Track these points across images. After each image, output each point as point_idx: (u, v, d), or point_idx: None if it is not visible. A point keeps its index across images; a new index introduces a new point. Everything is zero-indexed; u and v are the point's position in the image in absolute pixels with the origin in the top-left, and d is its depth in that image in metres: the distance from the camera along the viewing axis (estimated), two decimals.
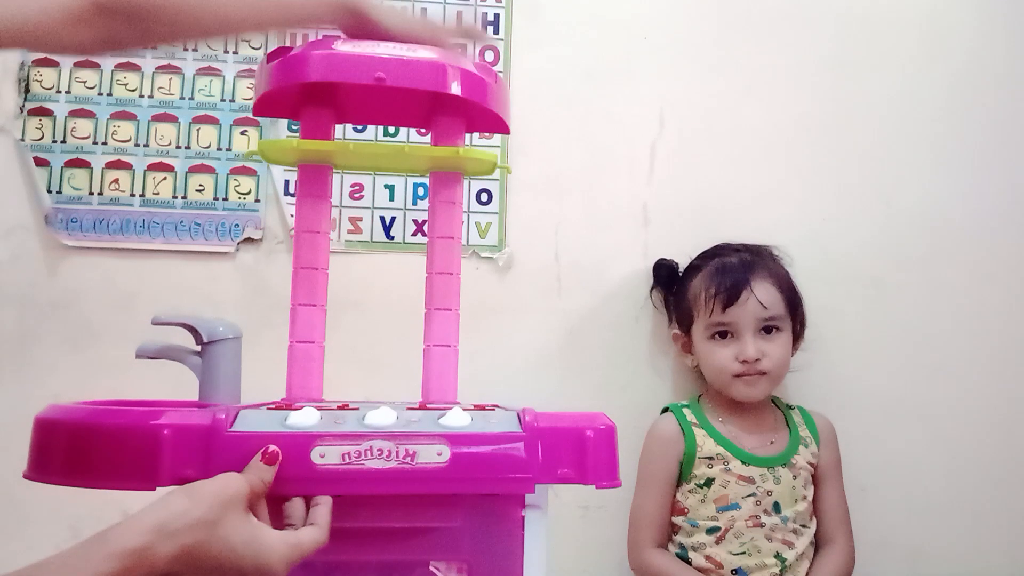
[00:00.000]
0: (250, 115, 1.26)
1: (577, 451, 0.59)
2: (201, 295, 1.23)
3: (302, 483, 0.56)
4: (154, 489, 0.55)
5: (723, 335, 1.17)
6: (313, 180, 0.80)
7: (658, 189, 1.32)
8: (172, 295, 1.23)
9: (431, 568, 0.59)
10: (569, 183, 1.30)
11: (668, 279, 1.26)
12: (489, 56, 1.31)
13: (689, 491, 1.15)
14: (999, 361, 1.35)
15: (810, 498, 1.17)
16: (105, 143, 1.24)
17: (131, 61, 1.25)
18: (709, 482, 1.14)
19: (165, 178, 1.24)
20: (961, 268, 1.36)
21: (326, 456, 0.55)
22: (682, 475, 1.16)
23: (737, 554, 1.11)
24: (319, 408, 0.61)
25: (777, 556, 1.12)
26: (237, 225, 1.25)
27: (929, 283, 1.35)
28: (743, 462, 1.15)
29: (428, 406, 0.68)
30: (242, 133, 1.26)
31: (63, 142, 1.23)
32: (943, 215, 1.36)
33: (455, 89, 0.73)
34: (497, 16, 1.31)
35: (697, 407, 1.21)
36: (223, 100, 1.26)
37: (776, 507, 1.13)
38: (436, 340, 0.80)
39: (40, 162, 1.22)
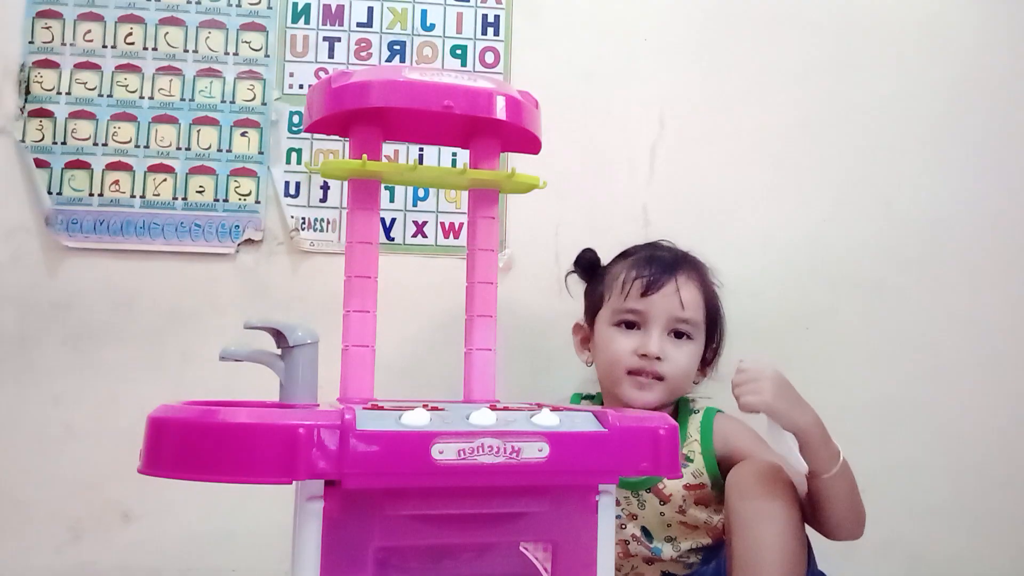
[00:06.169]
0: (250, 116, 1.26)
1: (652, 447, 0.69)
2: (201, 296, 1.23)
3: (424, 476, 0.63)
4: (291, 482, 0.61)
5: (630, 325, 1.05)
6: (365, 194, 0.86)
7: (658, 190, 1.32)
8: (172, 296, 1.23)
9: (521, 548, 0.67)
10: (569, 183, 1.30)
11: (589, 266, 1.16)
12: (490, 57, 1.31)
13: None
14: (999, 363, 1.35)
15: (703, 524, 1.03)
16: (105, 144, 1.24)
17: (131, 62, 1.25)
18: None
19: (165, 179, 1.25)
20: (960, 270, 1.36)
21: (444, 452, 0.62)
22: None
23: None
24: (429, 409, 0.68)
25: None
26: (237, 226, 1.25)
27: (928, 285, 1.35)
28: None
29: (509, 407, 0.75)
30: (242, 134, 1.26)
31: (63, 143, 1.23)
32: (943, 217, 1.36)
33: (502, 115, 0.82)
34: (497, 17, 1.32)
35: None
36: (223, 101, 1.26)
37: (646, 533, 1.04)
38: (477, 344, 0.87)
39: (40, 163, 1.23)
